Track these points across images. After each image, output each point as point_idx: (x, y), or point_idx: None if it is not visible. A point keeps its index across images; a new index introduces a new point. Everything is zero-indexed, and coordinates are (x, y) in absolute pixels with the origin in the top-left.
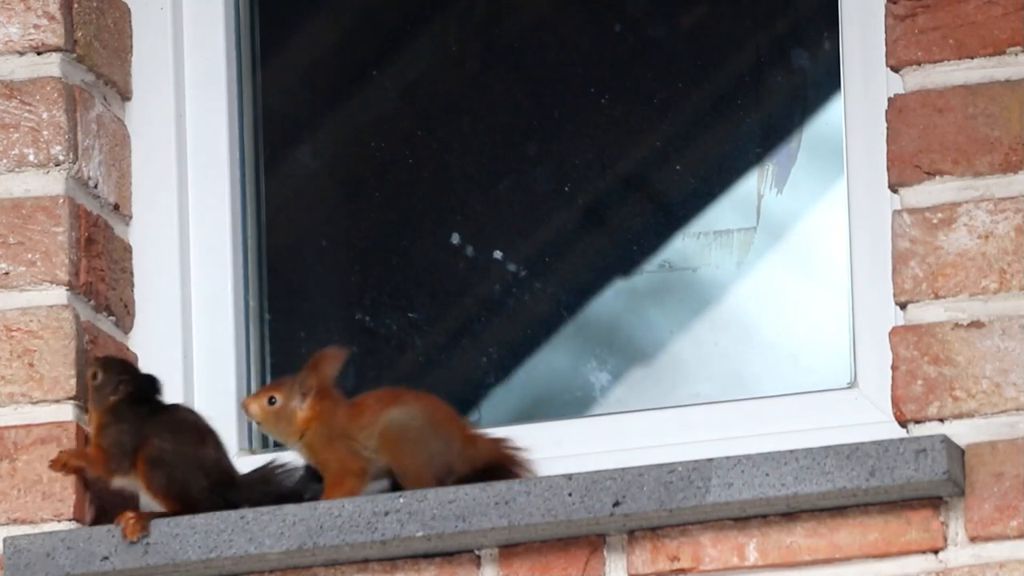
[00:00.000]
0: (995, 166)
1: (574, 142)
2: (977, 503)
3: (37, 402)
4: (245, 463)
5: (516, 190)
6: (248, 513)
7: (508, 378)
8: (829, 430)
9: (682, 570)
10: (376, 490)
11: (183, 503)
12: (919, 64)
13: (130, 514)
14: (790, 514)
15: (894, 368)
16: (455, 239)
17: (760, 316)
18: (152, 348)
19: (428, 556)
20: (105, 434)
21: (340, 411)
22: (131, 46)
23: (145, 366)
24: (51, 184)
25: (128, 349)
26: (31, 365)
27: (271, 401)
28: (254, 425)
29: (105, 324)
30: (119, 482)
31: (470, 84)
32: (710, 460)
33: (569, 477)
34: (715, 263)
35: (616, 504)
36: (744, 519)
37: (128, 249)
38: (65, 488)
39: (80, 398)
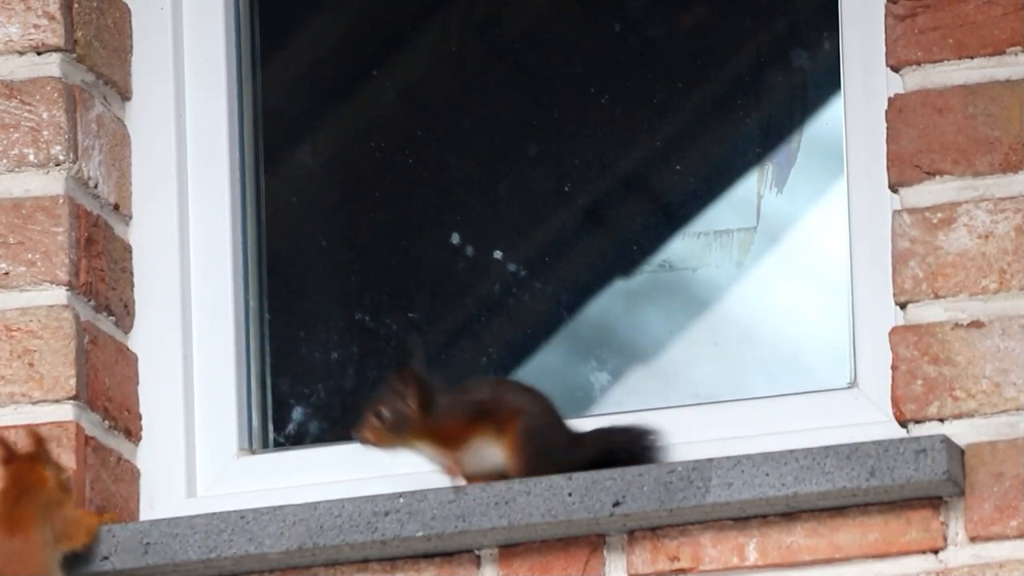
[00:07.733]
0: (995, 166)
1: (574, 142)
2: (977, 503)
3: (37, 402)
4: (245, 463)
5: (516, 190)
6: (248, 513)
7: (508, 378)
8: (829, 430)
9: (682, 570)
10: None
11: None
12: (919, 64)
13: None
14: (790, 514)
15: (894, 368)
16: (455, 239)
17: (760, 316)
18: (152, 348)
19: (428, 556)
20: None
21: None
22: (131, 46)
23: (145, 366)
24: (51, 184)
25: (128, 349)
26: (31, 365)
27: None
28: (255, 426)
29: (105, 324)
30: None
31: (470, 84)
32: (710, 460)
33: (569, 477)
34: (715, 263)
35: (616, 504)
36: (744, 519)
37: (128, 249)
38: None
39: (79, 398)
